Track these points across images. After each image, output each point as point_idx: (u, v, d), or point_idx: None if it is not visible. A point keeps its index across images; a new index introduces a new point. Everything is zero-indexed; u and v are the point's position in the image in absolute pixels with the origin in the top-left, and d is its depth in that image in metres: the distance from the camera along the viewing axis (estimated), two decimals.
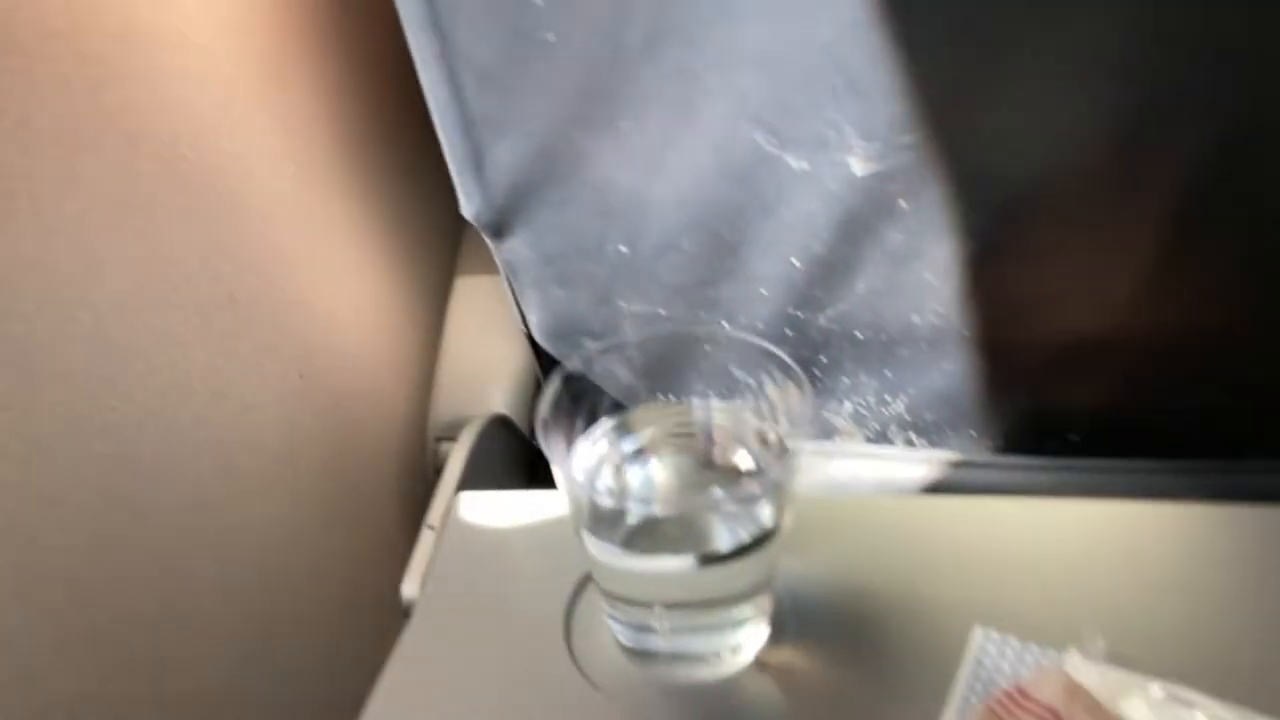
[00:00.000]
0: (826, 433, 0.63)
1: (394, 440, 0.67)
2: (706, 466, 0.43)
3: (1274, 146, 0.45)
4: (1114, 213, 0.48)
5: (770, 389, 0.41)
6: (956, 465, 0.61)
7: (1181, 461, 0.57)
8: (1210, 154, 0.46)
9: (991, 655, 0.41)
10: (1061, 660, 0.39)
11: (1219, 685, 0.38)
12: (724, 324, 0.41)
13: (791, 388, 0.39)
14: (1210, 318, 0.52)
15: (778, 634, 0.43)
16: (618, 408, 0.43)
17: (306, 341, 0.62)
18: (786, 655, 0.42)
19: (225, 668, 0.50)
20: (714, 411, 0.42)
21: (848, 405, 0.60)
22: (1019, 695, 0.36)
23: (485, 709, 0.42)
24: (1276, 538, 0.45)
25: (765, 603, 0.42)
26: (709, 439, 0.43)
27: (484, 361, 0.67)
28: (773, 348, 0.39)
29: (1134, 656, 0.39)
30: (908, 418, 0.60)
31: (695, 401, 0.42)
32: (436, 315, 0.73)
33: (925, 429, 0.61)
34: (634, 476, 0.42)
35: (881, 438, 0.62)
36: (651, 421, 0.43)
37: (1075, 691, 0.36)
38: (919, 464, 0.61)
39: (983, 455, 0.61)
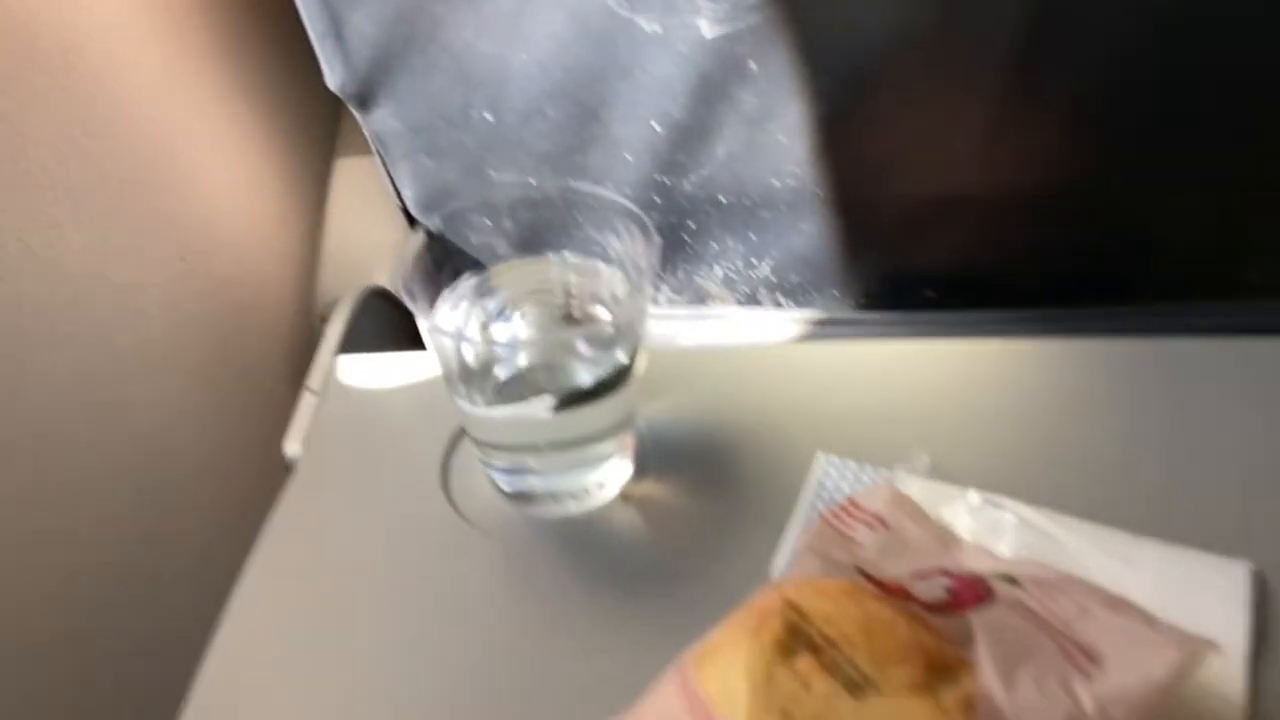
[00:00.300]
0: (700, 298, 0.66)
1: (279, 319, 0.68)
2: (565, 320, 0.45)
3: (1095, 7, 0.48)
4: (951, 76, 0.51)
5: (620, 241, 0.43)
6: (822, 323, 0.64)
7: (1026, 311, 0.61)
8: (1035, 17, 0.48)
9: (832, 477, 0.44)
10: (891, 477, 0.43)
11: (1029, 494, 0.42)
12: (575, 182, 0.42)
13: (638, 236, 0.41)
14: (1047, 174, 0.56)
15: (640, 470, 0.46)
16: (480, 268, 0.44)
17: (186, 224, 0.62)
18: (648, 489, 0.45)
19: (110, 537, 0.51)
20: (569, 267, 0.44)
21: (718, 270, 0.63)
22: (851, 506, 0.40)
23: (368, 554, 0.44)
24: (1086, 368, 0.49)
25: (628, 441, 0.45)
26: (566, 294, 0.45)
27: (365, 239, 0.68)
28: (620, 199, 0.41)
29: (956, 471, 0.43)
30: (774, 279, 0.63)
31: (551, 258, 0.44)
32: (318, 197, 0.74)
33: (791, 290, 0.64)
34: (498, 332, 0.45)
35: (752, 300, 0.65)
36: (512, 280, 0.45)
37: (900, 500, 0.40)
38: (787, 324, 0.64)
39: (846, 313, 0.64)
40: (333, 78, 0.52)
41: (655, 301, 0.66)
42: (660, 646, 0.36)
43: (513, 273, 0.45)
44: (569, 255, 0.44)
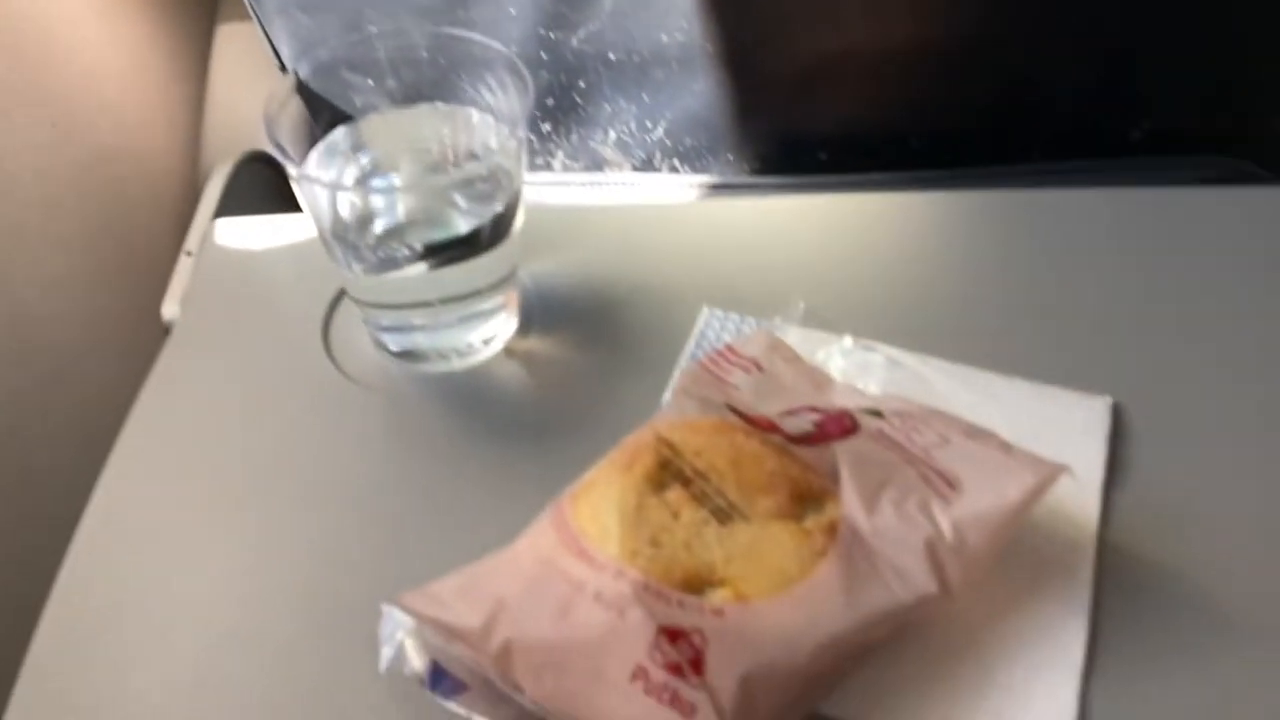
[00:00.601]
0: (596, 164, 0.65)
1: (162, 187, 0.66)
2: (441, 172, 0.44)
3: None
4: None
5: (497, 93, 0.42)
6: (718, 188, 0.64)
7: (917, 172, 0.62)
8: None
9: (714, 329, 0.45)
10: (770, 326, 0.43)
11: (903, 340, 0.43)
12: (450, 29, 0.41)
13: (513, 82, 0.40)
14: (934, 29, 0.56)
15: (526, 326, 0.46)
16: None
17: (59, 91, 0.60)
18: (534, 344, 0.46)
19: None
20: (443, 117, 0.43)
21: (611, 134, 0.62)
22: (728, 352, 0.40)
23: (250, 415, 0.44)
24: (963, 220, 0.50)
25: (512, 297, 0.45)
26: (441, 146, 0.44)
27: (249, 105, 0.66)
28: (494, 44, 0.40)
29: (834, 321, 0.44)
30: (669, 143, 0.62)
31: (424, 109, 0.43)
32: (200, 62, 0.71)
33: (686, 154, 0.63)
34: (373, 187, 0.44)
35: (648, 166, 0.65)
36: (384, 133, 0.44)
37: (776, 345, 0.41)
38: (683, 189, 0.64)
39: (742, 177, 0.64)
40: None
41: (550, 168, 0.65)
42: (544, 493, 0.37)
43: (385, 126, 0.44)
44: (442, 105, 0.43)
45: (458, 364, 0.45)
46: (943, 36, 0.56)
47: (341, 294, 0.47)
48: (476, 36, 0.41)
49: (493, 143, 0.42)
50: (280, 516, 0.40)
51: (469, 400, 0.44)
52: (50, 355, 0.56)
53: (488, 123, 0.42)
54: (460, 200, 0.42)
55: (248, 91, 0.68)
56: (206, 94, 0.70)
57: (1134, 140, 0.61)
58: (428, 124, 0.43)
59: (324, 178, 0.41)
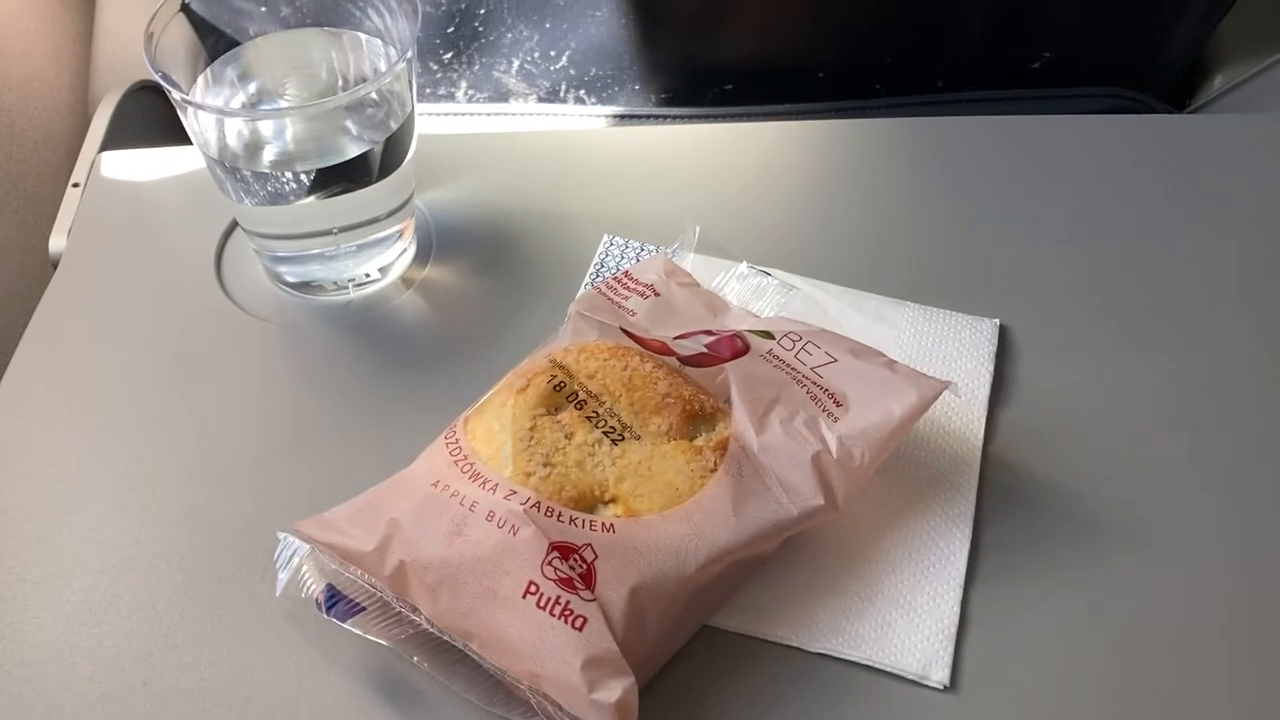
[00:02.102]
0: (501, 95, 0.64)
1: (51, 120, 0.63)
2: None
3: None
4: None
5: (385, 16, 0.41)
6: (624, 118, 0.64)
7: (821, 103, 0.62)
8: None
9: (614, 256, 0.45)
10: (666, 252, 0.44)
11: (799, 266, 0.44)
12: None
13: (399, 6, 0.40)
14: None
15: (423, 255, 0.46)
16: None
17: None
18: (432, 273, 0.45)
19: None
20: (330, 41, 0.42)
21: (515, 63, 0.62)
22: (624, 277, 0.41)
23: (141, 349, 0.43)
24: (855, 148, 0.50)
25: (408, 226, 0.45)
26: (330, 71, 0.43)
27: (138, 34, 0.64)
28: None
29: (732, 248, 0.44)
30: (574, 73, 0.62)
31: (311, 32, 0.42)
32: None
33: (593, 85, 0.63)
34: (260, 111, 0.43)
35: (554, 96, 0.64)
36: (271, 59, 0.43)
37: (672, 270, 0.41)
38: (589, 119, 0.64)
39: (648, 108, 0.64)
40: None
41: (454, 98, 0.64)
42: (442, 421, 0.37)
43: (272, 51, 0.42)
44: (330, 30, 0.42)
45: (354, 294, 0.44)
46: None
47: (234, 226, 0.46)
48: None
49: (382, 66, 0.42)
50: (174, 450, 0.40)
51: (366, 330, 0.44)
52: None
53: (376, 46, 0.42)
54: (351, 126, 0.41)
55: (137, 20, 0.66)
56: (95, 23, 0.67)
57: (1035, 71, 0.62)
58: (316, 48, 0.42)
59: (209, 104, 0.40)
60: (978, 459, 0.39)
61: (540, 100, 0.64)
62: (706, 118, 0.63)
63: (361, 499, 0.34)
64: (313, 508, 0.34)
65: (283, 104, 0.43)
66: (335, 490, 0.35)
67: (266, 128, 0.41)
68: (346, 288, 0.44)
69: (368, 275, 0.44)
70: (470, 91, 0.63)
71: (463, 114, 0.63)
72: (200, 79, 0.41)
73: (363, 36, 0.42)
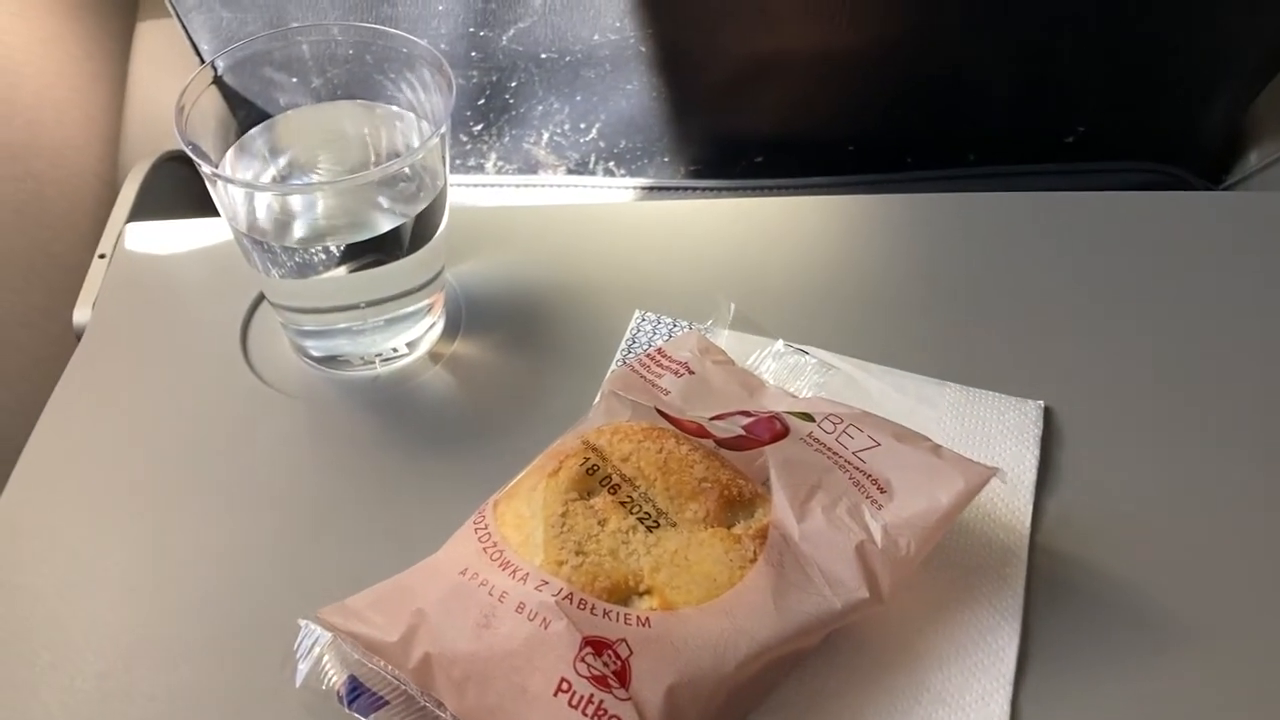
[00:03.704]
0: (530, 166, 0.64)
1: (80, 188, 0.64)
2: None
3: None
4: None
5: (422, 92, 0.41)
6: (652, 190, 0.63)
7: (851, 176, 0.62)
8: None
9: (646, 332, 0.44)
10: (701, 329, 0.43)
11: (835, 344, 0.43)
12: (372, 26, 0.40)
13: (434, 80, 0.39)
14: (869, 30, 0.55)
15: (451, 329, 0.45)
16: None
17: None
18: (460, 347, 0.44)
19: None
20: (364, 115, 0.42)
21: (545, 135, 0.61)
22: (657, 355, 0.40)
23: (164, 424, 0.42)
24: (897, 222, 0.49)
25: (438, 300, 0.44)
26: (364, 145, 0.43)
27: (168, 103, 0.64)
28: (417, 40, 0.39)
29: (766, 325, 0.43)
30: (603, 145, 0.62)
31: (344, 105, 0.42)
32: (120, 61, 0.68)
33: (621, 157, 0.63)
34: (290, 186, 0.42)
35: (583, 168, 0.64)
36: (303, 132, 0.42)
37: (706, 348, 0.40)
38: (618, 192, 0.63)
39: (677, 180, 0.64)
40: None
41: (483, 169, 0.64)
42: (470, 502, 0.36)
43: (304, 124, 0.42)
44: (363, 103, 0.42)
45: (381, 369, 0.44)
46: (877, 40, 0.56)
47: (260, 299, 0.46)
48: (398, 33, 0.40)
49: (415, 141, 0.41)
50: (195, 528, 0.39)
51: (393, 407, 0.43)
52: None
53: (410, 120, 0.41)
54: (383, 200, 0.40)
55: (168, 90, 0.66)
56: (126, 92, 0.68)
57: (1068, 144, 0.61)
58: (348, 122, 0.42)
59: (239, 177, 0.40)
60: (1025, 548, 0.37)
61: (569, 172, 0.64)
62: (736, 190, 0.63)
63: (386, 586, 0.33)
64: (335, 593, 0.33)
65: (314, 178, 0.42)
66: (359, 575, 0.34)
67: (297, 202, 0.40)
68: (373, 362, 0.43)
69: (395, 350, 0.43)
70: (499, 163, 0.63)
71: (491, 185, 0.63)
72: (230, 151, 0.41)
73: (396, 110, 0.42)
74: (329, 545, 0.38)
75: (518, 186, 0.64)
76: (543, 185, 0.64)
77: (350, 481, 0.40)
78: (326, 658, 0.33)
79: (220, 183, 0.38)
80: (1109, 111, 0.62)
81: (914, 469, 0.35)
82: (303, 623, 0.33)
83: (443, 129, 0.38)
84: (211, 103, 0.40)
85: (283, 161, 0.42)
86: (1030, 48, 0.56)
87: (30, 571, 0.37)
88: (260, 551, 0.38)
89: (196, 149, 0.37)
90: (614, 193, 0.64)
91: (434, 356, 0.44)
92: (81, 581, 0.37)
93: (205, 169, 0.37)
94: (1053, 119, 0.61)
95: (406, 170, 0.39)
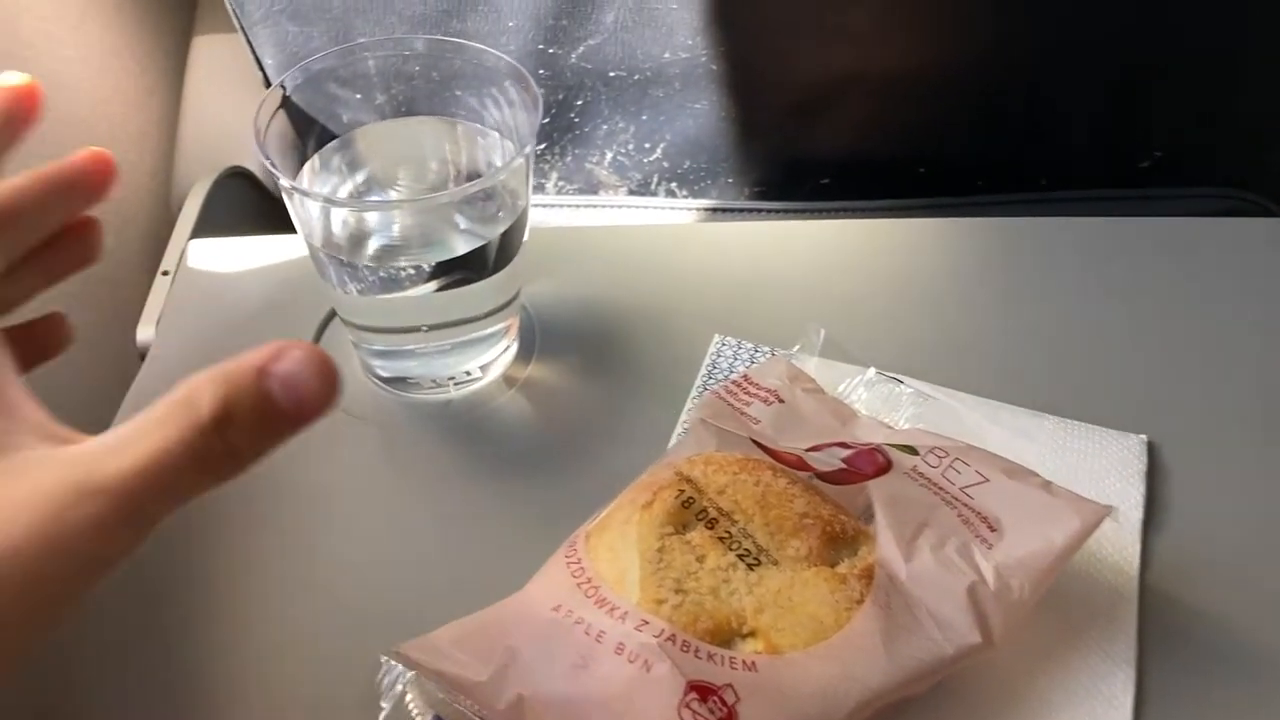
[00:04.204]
0: (591, 186, 0.63)
1: (135, 205, 0.63)
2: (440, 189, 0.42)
3: None
4: None
5: (500, 107, 0.40)
6: (716, 211, 0.62)
7: (919, 199, 0.60)
8: None
9: (727, 357, 0.42)
10: (786, 355, 0.41)
11: (924, 372, 0.41)
12: (456, 40, 0.39)
13: (519, 95, 0.38)
14: (944, 53, 0.54)
15: (524, 352, 0.43)
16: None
17: None
18: (535, 371, 0.43)
19: None
20: (444, 132, 0.41)
21: (608, 154, 0.60)
22: (744, 382, 0.38)
23: None
24: (980, 247, 0.48)
25: (512, 323, 0.43)
26: (443, 162, 0.42)
27: (226, 122, 0.63)
28: (498, 54, 0.38)
29: (852, 351, 0.41)
30: (667, 165, 0.60)
31: (425, 121, 0.41)
32: (175, 77, 0.68)
33: (684, 177, 0.61)
34: (369, 202, 0.41)
35: (644, 189, 0.62)
36: (381, 147, 0.41)
37: (795, 375, 0.39)
38: (680, 212, 0.62)
39: (741, 202, 0.62)
40: None
41: (543, 189, 0.63)
42: (548, 531, 0.34)
43: (383, 139, 0.41)
44: (444, 119, 0.40)
45: (455, 393, 0.42)
46: (954, 62, 0.54)
47: (328, 318, 0.44)
48: (484, 48, 0.39)
49: (497, 160, 0.40)
50: (262, 558, 0.37)
51: (468, 431, 0.41)
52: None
53: (493, 139, 0.40)
54: (461, 220, 0.39)
55: (224, 107, 0.66)
56: (181, 109, 0.67)
57: (1142, 169, 0.60)
58: (428, 138, 0.41)
59: (318, 191, 0.39)
60: (1135, 590, 0.35)
61: (630, 192, 0.63)
62: (801, 212, 0.61)
63: (472, 621, 0.31)
64: (415, 627, 0.31)
65: (392, 194, 0.41)
66: (439, 608, 0.32)
67: (373, 218, 0.39)
68: (446, 386, 0.42)
69: (468, 373, 0.42)
70: (560, 183, 0.62)
71: (551, 205, 0.62)
72: (308, 165, 0.39)
73: (478, 127, 0.40)
74: (407, 576, 0.37)
75: (577, 207, 0.63)
76: (603, 206, 0.63)
77: (426, 508, 0.39)
78: (410, 695, 0.31)
79: (297, 197, 0.37)
80: (1186, 136, 0.60)
81: (1025, 506, 0.33)
82: (384, 659, 0.32)
83: (528, 149, 0.36)
84: (281, 120, 0.39)
85: (361, 177, 0.41)
86: (1111, 73, 0.54)
87: (95, 605, 0.36)
88: (334, 582, 0.37)
89: (273, 163, 0.36)
90: (675, 214, 0.62)
91: (508, 380, 0.43)
92: (147, 617, 0.36)
93: (285, 183, 0.36)
94: (1129, 143, 0.59)
95: (488, 188, 0.38)
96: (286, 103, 0.39)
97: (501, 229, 0.38)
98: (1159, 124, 0.59)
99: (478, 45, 0.39)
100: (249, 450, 0.26)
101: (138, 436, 0.25)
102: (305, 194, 0.37)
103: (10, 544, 0.23)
